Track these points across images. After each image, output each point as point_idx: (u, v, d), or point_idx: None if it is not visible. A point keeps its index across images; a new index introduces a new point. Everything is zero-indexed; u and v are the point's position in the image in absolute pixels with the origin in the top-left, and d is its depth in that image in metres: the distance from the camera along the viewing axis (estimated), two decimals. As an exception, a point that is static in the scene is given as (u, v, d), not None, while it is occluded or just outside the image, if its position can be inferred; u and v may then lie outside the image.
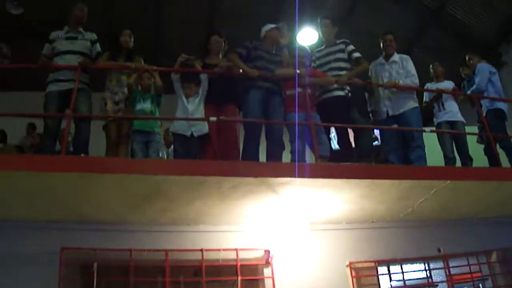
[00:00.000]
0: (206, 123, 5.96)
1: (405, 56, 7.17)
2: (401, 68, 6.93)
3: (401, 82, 6.79)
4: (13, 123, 8.76)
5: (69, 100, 5.65)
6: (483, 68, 7.57)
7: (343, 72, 6.54)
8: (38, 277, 5.23)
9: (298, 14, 8.16)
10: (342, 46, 6.76)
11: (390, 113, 6.79)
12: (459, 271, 6.71)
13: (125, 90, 6.24)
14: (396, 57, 7.08)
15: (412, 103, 6.81)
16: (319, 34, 7.34)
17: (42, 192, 5.03)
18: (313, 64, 6.85)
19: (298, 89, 6.13)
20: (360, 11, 11.43)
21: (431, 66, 7.81)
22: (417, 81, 6.91)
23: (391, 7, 11.32)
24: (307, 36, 8.90)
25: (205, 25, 11.06)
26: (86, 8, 6.42)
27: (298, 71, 6.22)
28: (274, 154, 6.03)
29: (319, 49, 7.01)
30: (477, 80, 7.48)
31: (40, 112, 6.14)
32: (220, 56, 6.60)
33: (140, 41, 6.77)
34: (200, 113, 6.07)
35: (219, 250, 5.91)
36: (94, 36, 6.37)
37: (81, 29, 6.36)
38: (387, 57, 7.09)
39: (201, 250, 5.84)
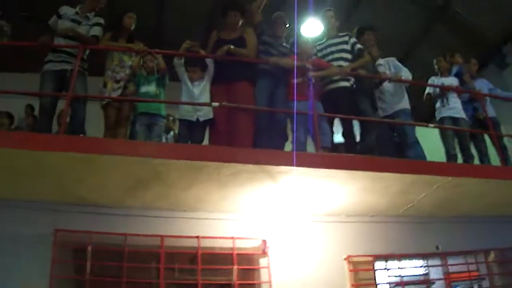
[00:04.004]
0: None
1: (390, 58, 7.25)
2: (388, 70, 6.96)
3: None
4: (15, 105, 8.64)
5: (64, 81, 5.61)
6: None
7: (346, 63, 6.49)
8: (31, 258, 5.15)
9: (303, 4, 8.05)
10: (345, 38, 6.73)
11: (381, 114, 6.81)
12: (457, 269, 6.66)
13: (127, 70, 6.15)
14: (381, 61, 7.13)
15: (403, 104, 6.87)
16: (323, 26, 7.27)
17: (38, 172, 4.94)
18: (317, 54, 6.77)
19: (301, 79, 6.07)
20: (365, 4, 11.36)
21: (435, 60, 7.75)
22: (410, 74, 6.99)
23: (396, 2, 11.26)
24: (311, 27, 8.82)
25: (207, 14, 11.00)
26: None
27: (300, 63, 6.15)
28: (276, 144, 5.96)
29: (321, 41, 6.94)
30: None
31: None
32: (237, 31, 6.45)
33: (142, 28, 6.68)
34: (206, 97, 6.01)
35: (215, 238, 5.83)
36: (99, 20, 6.22)
37: (91, 13, 6.23)
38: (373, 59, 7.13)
39: (197, 237, 5.76)
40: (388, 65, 7.10)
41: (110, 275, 5.42)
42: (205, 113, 5.93)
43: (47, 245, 5.23)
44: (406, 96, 6.99)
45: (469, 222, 6.93)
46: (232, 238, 5.87)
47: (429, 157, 6.55)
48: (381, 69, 6.94)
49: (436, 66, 7.68)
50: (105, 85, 6.12)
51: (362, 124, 6.48)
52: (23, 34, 6.38)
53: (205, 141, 6.06)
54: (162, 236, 5.68)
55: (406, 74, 7.00)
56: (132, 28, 6.41)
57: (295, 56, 6.27)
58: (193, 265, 5.68)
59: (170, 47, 6.59)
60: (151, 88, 6.00)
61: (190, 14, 11.17)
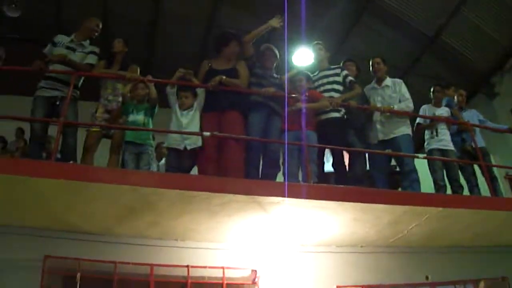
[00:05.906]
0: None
1: (398, 80, 7.27)
2: (394, 92, 7.02)
3: (395, 106, 6.83)
4: (5, 128, 8.63)
5: (55, 107, 5.74)
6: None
7: (338, 95, 6.55)
8: (20, 284, 5.13)
9: (294, 34, 8.12)
10: (337, 71, 6.80)
11: (381, 138, 6.82)
12: (447, 299, 6.66)
13: (120, 99, 6.18)
14: (388, 81, 7.17)
15: (404, 129, 6.85)
16: (313, 58, 7.34)
17: (28, 198, 4.92)
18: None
19: (292, 108, 6.17)
20: (356, 35, 11.50)
21: (432, 89, 7.69)
22: (411, 105, 6.96)
23: (387, 33, 11.40)
24: (303, 56, 8.88)
25: (200, 41, 11.10)
26: (101, 25, 6.50)
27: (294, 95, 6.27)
28: (268, 174, 5.99)
29: (314, 74, 6.99)
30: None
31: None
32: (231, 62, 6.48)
33: (135, 54, 6.70)
34: (195, 127, 5.98)
35: (205, 267, 5.80)
36: (94, 49, 6.33)
37: (86, 41, 6.33)
38: (379, 81, 7.18)
39: (187, 266, 5.73)
40: (394, 87, 7.12)
41: (100, 302, 5.39)
42: (193, 141, 5.86)
43: (36, 271, 5.18)
44: (407, 121, 7.01)
45: (459, 252, 6.94)
46: (222, 267, 5.84)
47: (419, 188, 6.59)
48: (386, 90, 7.07)
49: (432, 95, 7.69)
50: (96, 111, 6.16)
51: (350, 155, 6.54)
52: (15, 56, 6.42)
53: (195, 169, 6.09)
54: (152, 265, 5.65)
55: (408, 103, 6.98)
56: (124, 50, 6.44)
57: (284, 85, 6.36)
58: (183, 294, 5.65)
59: (161, 74, 6.63)
60: (139, 117, 5.97)
61: (182, 41, 11.26)
